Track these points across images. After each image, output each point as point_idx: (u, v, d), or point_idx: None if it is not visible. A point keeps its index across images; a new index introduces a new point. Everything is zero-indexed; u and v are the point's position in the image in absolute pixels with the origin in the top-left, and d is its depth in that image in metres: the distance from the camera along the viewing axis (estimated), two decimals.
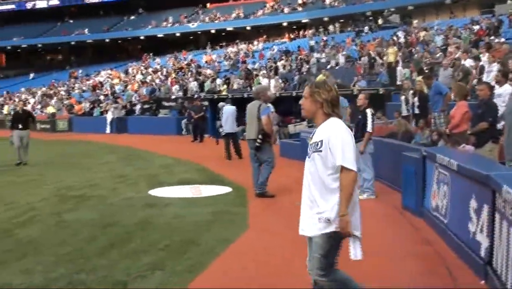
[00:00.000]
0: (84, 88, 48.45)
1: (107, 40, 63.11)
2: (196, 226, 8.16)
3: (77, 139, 27.88)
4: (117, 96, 37.27)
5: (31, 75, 62.72)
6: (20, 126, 17.13)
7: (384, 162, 11.00)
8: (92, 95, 43.10)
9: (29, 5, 67.00)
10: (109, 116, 32.16)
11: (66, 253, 6.86)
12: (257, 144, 10.28)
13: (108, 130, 31.63)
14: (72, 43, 64.30)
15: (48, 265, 6.29)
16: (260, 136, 10.24)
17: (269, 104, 10.70)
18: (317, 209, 4.06)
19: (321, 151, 4.10)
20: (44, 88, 51.64)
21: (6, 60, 72.46)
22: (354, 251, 4.09)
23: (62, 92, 47.98)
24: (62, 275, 5.89)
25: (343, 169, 4.00)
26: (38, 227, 8.43)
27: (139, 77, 45.36)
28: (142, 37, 61.25)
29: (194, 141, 23.86)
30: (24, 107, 20.67)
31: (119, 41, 64.16)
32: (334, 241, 4.05)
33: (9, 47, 67.08)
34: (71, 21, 66.53)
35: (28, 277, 5.84)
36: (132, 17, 63.78)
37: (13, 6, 67.91)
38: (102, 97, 39.92)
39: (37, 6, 66.66)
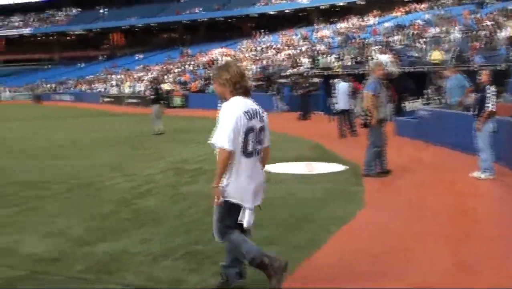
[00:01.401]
0: (197, 65, 49.43)
1: (219, 19, 63.90)
2: (310, 203, 8.06)
3: (191, 115, 28.56)
4: None
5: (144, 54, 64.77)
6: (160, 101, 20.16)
7: (506, 142, 10.38)
8: (206, 72, 43.89)
9: None
10: None
11: (183, 224, 6.98)
12: (362, 121, 10.10)
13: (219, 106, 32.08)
14: (185, 22, 65.69)
15: (165, 235, 6.40)
16: (362, 113, 10.01)
17: (373, 81, 10.22)
18: None
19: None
20: (159, 66, 53.23)
21: (124, 39, 75.39)
22: (241, 216, 4.51)
23: (176, 70, 49.25)
24: (179, 245, 5.98)
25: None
26: (156, 198, 8.62)
27: (250, 54, 45.70)
28: (253, 15, 61.54)
29: (301, 118, 23.73)
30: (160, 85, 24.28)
31: (231, 20, 64.80)
32: (218, 209, 4.55)
33: (126, 27, 69.56)
34: (184, 0, 67.92)
35: (146, 246, 5.95)
36: None
37: None
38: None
39: None
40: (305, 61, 34.13)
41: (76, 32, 74.23)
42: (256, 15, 61.09)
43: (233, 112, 4.41)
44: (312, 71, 29.71)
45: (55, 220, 7.23)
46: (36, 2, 75.73)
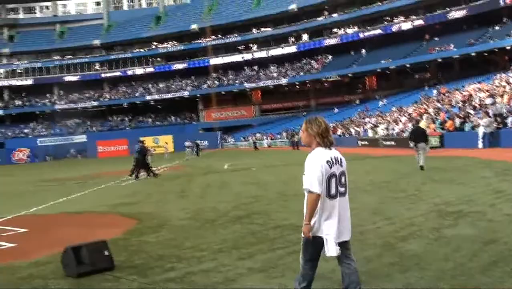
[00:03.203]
0: (452, 103, 47.94)
1: (472, 54, 61.57)
2: None
3: (449, 155, 27.69)
4: (487, 110, 35.98)
5: (400, 95, 64.55)
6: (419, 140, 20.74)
7: None
8: (461, 110, 42.35)
9: (394, 28, 69.46)
10: (480, 130, 31.27)
11: (448, 268, 6.78)
12: None
13: (480, 145, 30.74)
14: (438, 60, 64.41)
15: (430, 280, 6.26)
16: None
17: None
18: None
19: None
20: (413, 107, 52.66)
21: (377, 82, 76.21)
22: (326, 248, 5.25)
23: (431, 109, 48.26)
24: None
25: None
26: (419, 241, 8.46)
27: (508, 88, 43.11)
28: (508, 47, 58.25)
29: None
30: (419, 124, 25.31)
31: (485, 53, 62.01)
32: (304, 240, 5.39)
33: (378, 70, 70.29)
34: (436, 38, 66.78)
35: None
36: (496, 28, 61.09)
37: (379, 31, 71.17)
38: (471, 112, 38.99)
39: (402, 28, 68.68)
40: None
41: (330, 79, 76.88)
42: (511, 47, 57.71)
43: (317, 161, 5.22)
44: None
45: (319, 263, 7.43)
46: (290, 53, 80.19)
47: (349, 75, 74.49)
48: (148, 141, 72.22)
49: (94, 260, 7.91)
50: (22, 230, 12.96)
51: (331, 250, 5.23)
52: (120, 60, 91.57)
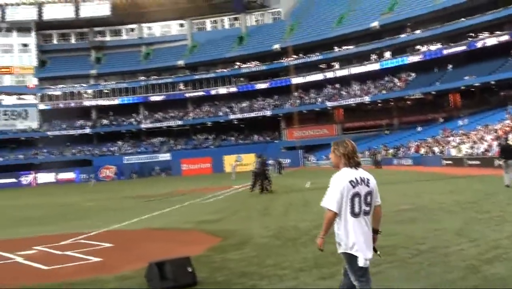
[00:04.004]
0: None
1: None
2: None
3: None
4: None
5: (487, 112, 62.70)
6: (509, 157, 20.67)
7: None
8: None
9: (479, 44, 67.65)
10: None
11: None
12: None
13: None
14: None
15: None
16: None
17: None
18: None
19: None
20: (499, 124, 51.04)
21: (460, 99, 74.38)
22: (353, 262, 5.53)
23: None
24: None
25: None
26: (505, 264, 8.25)
27: None
28: None
29: None
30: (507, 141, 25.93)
31: None
32: (344, 257, 5.67)
33: (462, 87, 68.60)
34: None
35: None
36: None
37: (463, 47, 69.52)
38: None
39: (487, 44, 66.80)
40: None
41: (413, 96, 75.61)
42: None
43: (340, 182, 5.55)
44: None
45: (400, 285, 7.37)
46: (372, 71, 79.41)
47: (433, 92, 73.05)
48: (231, 159, 73.38)
49: (177, 275, 8.13)
50: (108, 244, 13.44)
51: (361, 261, 5.52)
52: (203, 80, 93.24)
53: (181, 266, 8.29)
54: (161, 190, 39.83)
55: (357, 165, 5.70)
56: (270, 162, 51.05)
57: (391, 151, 63.43)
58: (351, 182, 5.54)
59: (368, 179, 5.68)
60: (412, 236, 11.36)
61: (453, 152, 48.67)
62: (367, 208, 5.63)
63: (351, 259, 5.55)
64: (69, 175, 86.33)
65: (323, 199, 5.58)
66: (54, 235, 16.02)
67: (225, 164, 77.94)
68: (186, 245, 12.57)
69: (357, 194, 5.54)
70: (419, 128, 69.85)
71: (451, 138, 54.86)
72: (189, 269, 8.33)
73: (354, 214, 5.54)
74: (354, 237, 5.53)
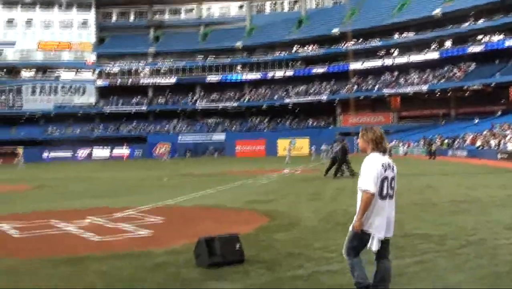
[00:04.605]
0: None
1: None
2: None
3: None
4: None
5: None
6: None
7: None
8: None
9: None
10: None
11: None
12: None
13: None
14: None
15: None
16: None
17: None
18: None
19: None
20: None
21: None
22: (371, 243, 5.90)
23: None
24: None
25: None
26: None
27: None
28: None
29: None
30: None
31: None
32: (352, 234, 6.00)
33: None
34: None
35: None
36: None
37: None
38: None
39: None
40: None
41: (472, 88, 74.02)
42: None
43: (374, 165, 5.82)
44: None
45: (446, 275, 7.39)
46: (432, 59, 77.99)
47: (492, 84, 71.38)
48: (285, 142, 73.53)
49: (225, 252, 8.31)
50: (160, 219, 13.78)
51: (375, 246, 5.89)
52: (260, 63, 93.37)
53: (230, 243, 8.46)
54: (214, 170, 40.33)
55: (384, 151, 6.00)
56: (324, 147, 50.81)
57: (446, 141, 62.37)
58: (383, 165, 5.88)
59: (393, 165, 6.03)
60: (463, 227, 11.29)
61: (510, 146, 47.56)
62: (391, 192, 5.97)
63: (363, 237, 5.93)
64: (124, 151, 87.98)
65: (360, 182, 5.88)
66: (107, 208, 16.51)
67: (278, 148, 78.10)
68: (235, 224, 12.78)
69: (386, 178, 5.87)
70: (476, 121, 68.42)
71: (508, 132, 53.58)
72: (237, 247, 8.50)
73: (382, 197, 5.86)
74: (377, 219, 5.85)
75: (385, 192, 5.85)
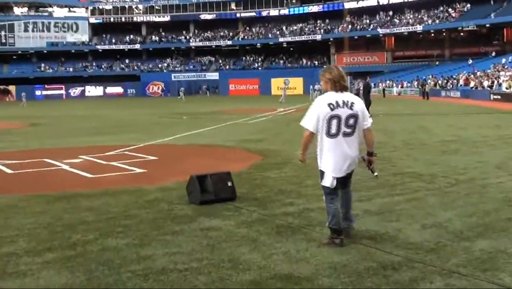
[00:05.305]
0: None
1: None
2: None
3: None
4: None
5: None
6: None
7: None
8: None
9: None
10: None
11: None
12: None
13: None
14: None
15: None
16: None
17: None
18: None
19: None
20: None
21: None
22: (322, 179, 6.12)
23: None
24: None
25: None
26: None
27: None
28: None
29: None
30: None
31: None
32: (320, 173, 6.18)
33: None
34: None
35: None
36: None
37: None
38: None
39: None
40: None
41: (467, 28, 73.41)
42: None
43: (319, 104, 5.95)
44: None
45: (436, 212, 7.48)
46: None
47: (487, 25, 70.78)
48: (279, 82, 73.22)
49: (217, 189, 8.36)
50: (152, 157, 13.82)
51: (326, 181, 6.03)
52: (255, 0, 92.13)
53: (222, 181, 8.50)
54: (208, 109, 40.27)
55: (342, 89, 6.00)
56: (317, 86, 50.53)
57: (439, 82, 62.26)
58: (329, 104, 5.88)
59: (352, 102, 5.97)
60: (453, 166, 11.36)
61: (503, 87, 47.58)
62: (348, 130, 5.94)
63: (321, 176, 6.10)
64: (117, 89, 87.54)
65: (302, 119, 6.08)
66: (100, 146, 16.57)
67: (272, 87, 77.85)
68: (228, 161, 12.84)
69: (335, 116, 5.86)
70: (470, 61, 68.15)
71: (501, 73, 53.47)
72: (229, 184, 8.55)
73: (330, 135, 5.91)
74: (328, 156, 5.99)
75: (333, 130, 5.89)
